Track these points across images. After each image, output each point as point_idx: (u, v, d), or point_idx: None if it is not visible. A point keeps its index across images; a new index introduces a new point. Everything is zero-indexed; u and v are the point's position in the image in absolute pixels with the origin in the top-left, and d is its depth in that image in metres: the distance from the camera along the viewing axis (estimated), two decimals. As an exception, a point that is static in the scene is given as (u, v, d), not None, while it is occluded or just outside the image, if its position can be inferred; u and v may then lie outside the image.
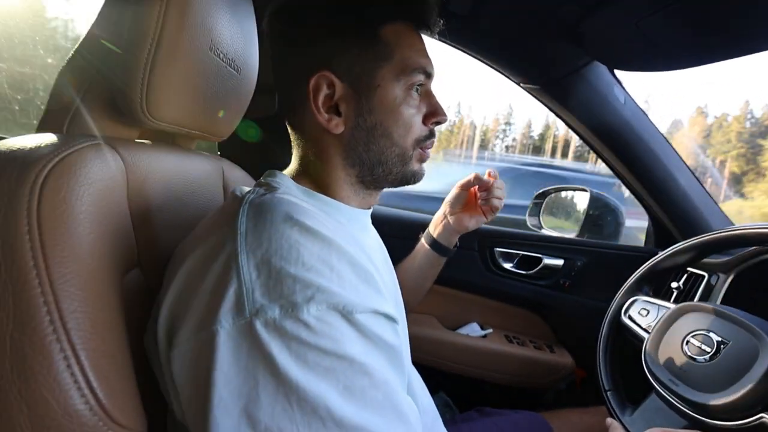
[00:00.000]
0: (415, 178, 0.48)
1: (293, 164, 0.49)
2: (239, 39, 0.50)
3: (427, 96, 0.47)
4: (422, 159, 0.48)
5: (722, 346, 0.52)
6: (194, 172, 0.52)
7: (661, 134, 0.90)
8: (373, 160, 0.45)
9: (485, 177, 0.70)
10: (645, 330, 0.65)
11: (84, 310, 0.28)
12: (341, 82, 0.43)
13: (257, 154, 0.97)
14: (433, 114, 0.47)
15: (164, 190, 0.44)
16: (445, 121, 0.48)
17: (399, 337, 0.36)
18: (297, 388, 0.28)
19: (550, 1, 0.66)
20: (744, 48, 0.56)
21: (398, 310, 0.50)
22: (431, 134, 0.47)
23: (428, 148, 0.48)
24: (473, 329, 1.05)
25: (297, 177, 0.47)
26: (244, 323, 0.29)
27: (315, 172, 0.47)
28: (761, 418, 0.45)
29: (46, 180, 0.29)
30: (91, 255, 0.30)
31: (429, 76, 0.46)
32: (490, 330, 1.04)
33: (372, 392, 0.31)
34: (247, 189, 0.41)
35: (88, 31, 0.40)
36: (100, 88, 0.40)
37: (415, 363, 0.55)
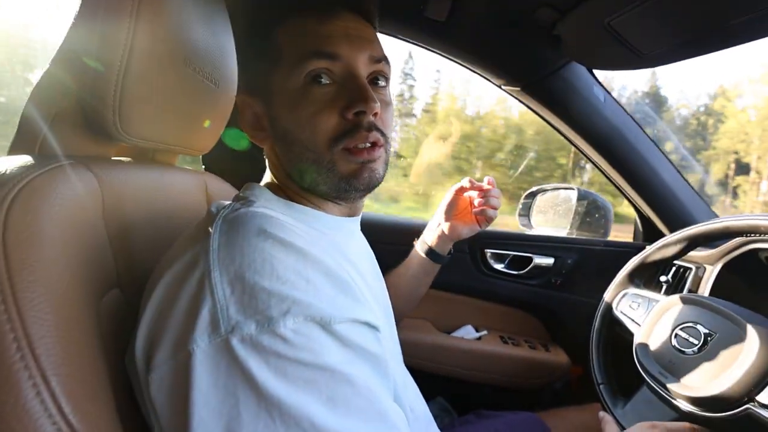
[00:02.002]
0: (351, 182, 0.40)
1: (269, 175, 0.48)
2: (215, 52, 0.50)
3: (343, 82, 0.39)
4: (352, 159, 0.39)
5: (709, 338, 0.52)
6: (175, 188, 0.51)
7: (644, 131, 0.92)
8: (293, 170, 0.42)
9: (485, 184, 0.69)
10: (636, 323, 0.65)
11: (55, 334, 0.27)
12: (252, 99, 0.44)
13: (243, 166, 0.96)
14: (349, 104, 0.38)
15: (143, 207, 0.44)
16: (368, 109, 0.38)
17: (382, 345, 0.36)
18: (279, 403, 0.28)
19: (526, 3, 0.67)
20: (715, 43, 0.58)
21: (384, 318, 0.49)
22: (355, 127, 0.39)
23: (357, 144, 0.39)
24: (468, 332, 1.04)
25: (276, 188, 0.46)
26: (220, 341, 0.29)
27: (284, 183, 0.46)
28: (747, 409, 0.45)
29: (13, 203, 0.28)
30: (62, 278, 0.30)
31: (331, 56, 0.38)
32: (485, 332, 1.03)
33: (356, 400, 0.30)
34: (225, 203, 0.41)
35: (58, 48, 0.40)
36: (73, 107, 0.40)
37: (412, 368, 0.54)
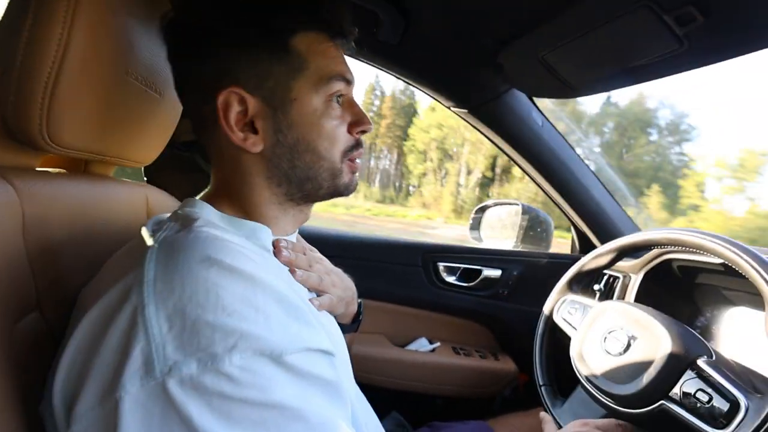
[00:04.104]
0: (348, 189, 0.46)
1: (212, 187, 0.45)
2: (160, 60, 0.49)
3: (350, 105, 0.45)
4: (353, 170, 0.46)
5: (632, 341, 0.58)
6: (111, 202, 0.48)
7: (576, 153, 1.01)
8: (301, 176, 0.42)
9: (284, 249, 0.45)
10: (573, 327, 0.70)
11: None
12: (253, 97, 0.39)
13: (188, 178, 0.92)
14: (358, 123, 0.44)
15: (71, 222, 0.40)
16: (370, 129, 0.46)
17: (336, 369, 0.34)
18: None
19: (471, 33, 0.72)
20: (627, 80, 0.66)
21: (334, 339, 0.47)
22: (358, 144, 0.45)
23: (357, 158, 0.46)
24: (422, 344, 1.06)
25: (216, 202, 0.43)
26: (154, 385, 0.26)
27: (237, 195, 0.43)
28: (662, 405, 0.50)
29: None
30: None
31: (348, 83, 0.44)
32: (438, 344, 1.06)
33: None
34: (163, 220, 0.38)
35: None
36: None
37: (366, 384, 0.54)
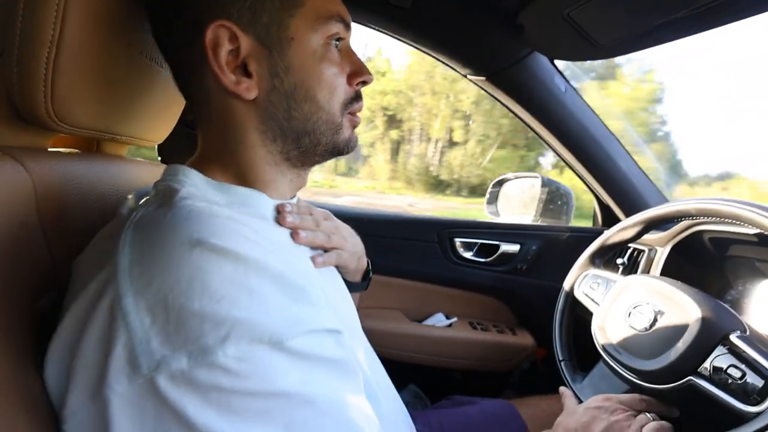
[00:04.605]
0: (348, 146, 0.41)
1: (200, 149, 0.40)
2: None
3: (348, 53, 0.41)
4: (354, 125, 0.42)
5: (659, 316, 0.56)
6: (123, 180, 0.48)
7: (601, 120, 0.95)
8: (298, 129, 0.38)
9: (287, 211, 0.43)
10: (595, 302, 0.69)
11: None
12: (245, 35, 0.35)
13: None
14: (357, 73, 0.40)
15: (85, 201, 0.40)
16: (371, 80, 0.41)
17: (344, 346, 0.32)
18: None
19: (489, -8, 0.67)
20: (665, 36, 0.60)
21: (344, 313, 0.46)
22: (358, 96, 0.41)
23: (358, 112, 0.42)
24: (439, 319, 1.06)
25: (205, 167, 0.38)
26: (142, 383, 0.24)
27: (229, 156, 0.38)
28: (690, 380, 0.48)
29: None
30: None
31: (347, 26, 0.39)
32: (455, 319, 1.06)
33: (319, 420, 0.27)
34: (142, 194, 0.35)
35: None
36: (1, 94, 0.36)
37: (384, 358, 0.54)
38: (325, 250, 0.46)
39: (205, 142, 0.40)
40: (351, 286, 0.54)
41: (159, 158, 0.91)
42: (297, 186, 0.44)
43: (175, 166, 0.37)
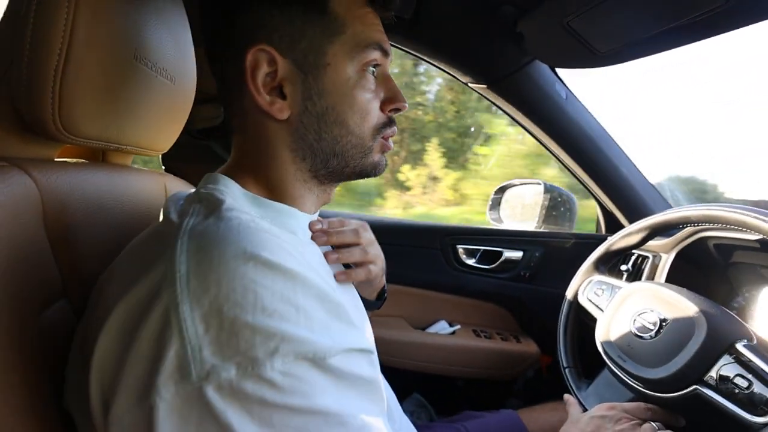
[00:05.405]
0: (376, 170, 0.43)
1: (234, 160, 0.42)
2: (170, 46, 0.48)
3: (385, 79, 0.41)
4: (384, 149, 0.43)
5: (664, 323, 0.55)
6: (128, 189, 0.49)
7: (603, 127, 0.95)
8: (327, 150, 0.39)
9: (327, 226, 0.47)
10: (600, 309, 0.68)
11: None
12: (284, 59, 0.37)
13: (206, 166, 0.93)
14: (392, 100, 0.41)
15: (91, 210, 0.41)
16: (405, 108, 0.42)
17: (375, 366, 0.33)
18: None
19: (489, 1, 0.68)
20: (664, 43, 0.61)
21: (367, 331, 0.46)
22: (391, 122, 0.42)
23: (390, 137, 0.43)
24: (442, 327, 1.06)
25: (242, 179, 0.39)
26: (191, 390, 0.25)
27: (260, 169, 0.40)
28: (695, 389, 0.48)
29: None
30: None
31: (385, 53, 0.40)
32: (458, 326, 1.05)
33: None
34: (185, 200, 0.36)
35: None
36: (7, 105, 0.37)
37: (387, 366, 0.54)
38: (357, 265, 0.47)
39: (239, 152, 0.42)
40: (366, 304, 0.55)
41: (163, 167, 0.92)
42: (323, 201, 0.45)
43: (215, 175, 0.39)
